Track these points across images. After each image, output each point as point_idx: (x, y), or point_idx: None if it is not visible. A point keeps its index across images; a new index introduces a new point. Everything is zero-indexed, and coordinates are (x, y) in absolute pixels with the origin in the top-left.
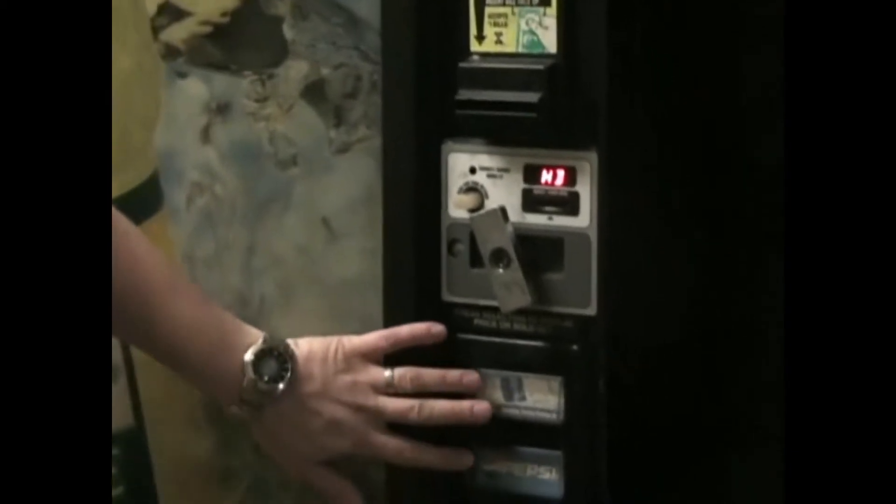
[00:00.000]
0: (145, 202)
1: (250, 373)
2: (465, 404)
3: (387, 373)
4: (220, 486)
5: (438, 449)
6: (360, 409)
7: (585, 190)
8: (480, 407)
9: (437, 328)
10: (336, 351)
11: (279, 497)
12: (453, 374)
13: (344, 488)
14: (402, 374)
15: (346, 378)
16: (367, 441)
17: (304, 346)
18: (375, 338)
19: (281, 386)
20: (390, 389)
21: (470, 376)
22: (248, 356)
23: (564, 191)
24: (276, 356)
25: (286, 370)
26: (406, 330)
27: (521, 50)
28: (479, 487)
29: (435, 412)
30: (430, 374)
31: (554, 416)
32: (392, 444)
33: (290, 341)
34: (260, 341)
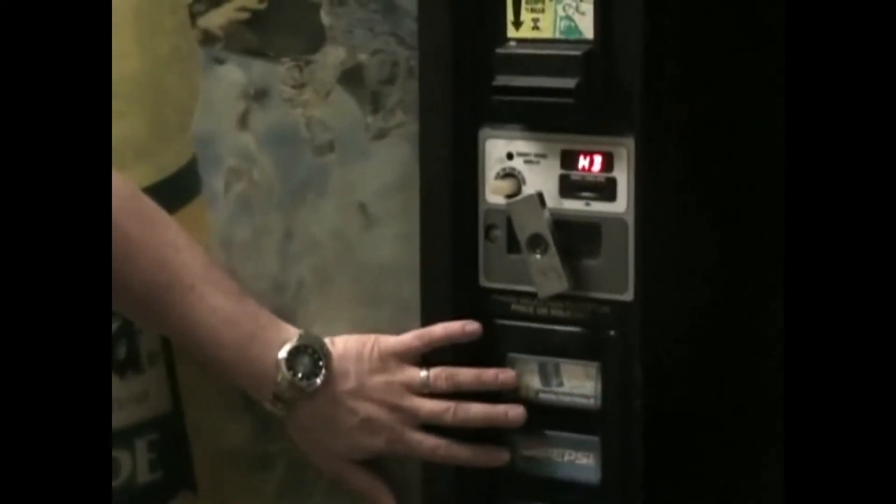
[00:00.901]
0: (183, 188)
1: (284, 369)
2: (500, 408)
3: (422, 373)
4: (257, 471)
5: (473, 446)
6: (394, 408)
7: (622, 176)
8: (515, 412)
9: (471, 326)
10: (371, 350)
11: (316, 482)
12: (489, 374)
13: (377, 487)
14: (437, 373)
15: (381, 378)
16: (401, 440)
17: (339, 344)
18: (410, 338)
19: (317, 382)
20: (425, 389)
21: (505, 375)
22: (283, 353)
23: (601, 176)
24: (311, 353)
25: (320, 367)
26: (440, 329)
27: (557, 36)
28: (517, 472)
29: (470, 415)
30: (466, 374)
31: (591, 402)
32: (427, 443)
33: (326, 339)
34: (295, 338)
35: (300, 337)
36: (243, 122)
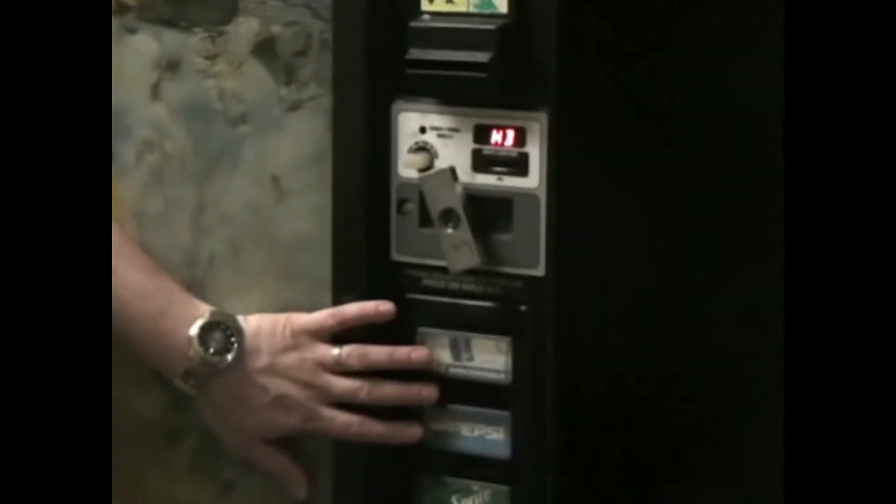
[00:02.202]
0: None
1: (196, 345)
2: (413, 387)
3: (335, 351)
4: (168, 444)
5: (386, 423)
6: (307, 386)
7: (535, 150)
8: (429, 391)
9: (385, 306)
10: (284, 327)
11: (228, 456)
12: (401, 352)
13: (288, 467)
14: (349, 351)
15: (294, 355)
16: (314, 417)
17: (252, 321)
18: (323, 316)
19: (229, 358)
20: (338, 367)
21: (418, 353)
22: (195, 329)
23: (514, 151)
24: (224, 329)
25: (232, 344)
26: (354, 308)
27: (471, 9)
28: (427, 447)
29: (384, 394)
30: (378, 352)
31: (502, 377)
32: (340, 420)
33: (239, 317)
34: (207, 314)
35: (213, 313)
36: (155, 92)
